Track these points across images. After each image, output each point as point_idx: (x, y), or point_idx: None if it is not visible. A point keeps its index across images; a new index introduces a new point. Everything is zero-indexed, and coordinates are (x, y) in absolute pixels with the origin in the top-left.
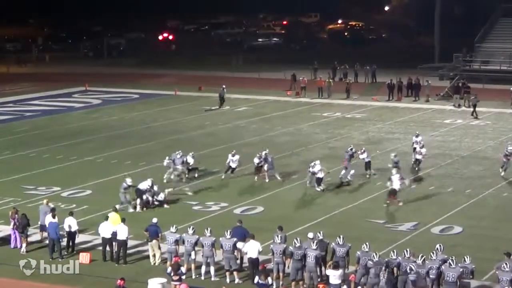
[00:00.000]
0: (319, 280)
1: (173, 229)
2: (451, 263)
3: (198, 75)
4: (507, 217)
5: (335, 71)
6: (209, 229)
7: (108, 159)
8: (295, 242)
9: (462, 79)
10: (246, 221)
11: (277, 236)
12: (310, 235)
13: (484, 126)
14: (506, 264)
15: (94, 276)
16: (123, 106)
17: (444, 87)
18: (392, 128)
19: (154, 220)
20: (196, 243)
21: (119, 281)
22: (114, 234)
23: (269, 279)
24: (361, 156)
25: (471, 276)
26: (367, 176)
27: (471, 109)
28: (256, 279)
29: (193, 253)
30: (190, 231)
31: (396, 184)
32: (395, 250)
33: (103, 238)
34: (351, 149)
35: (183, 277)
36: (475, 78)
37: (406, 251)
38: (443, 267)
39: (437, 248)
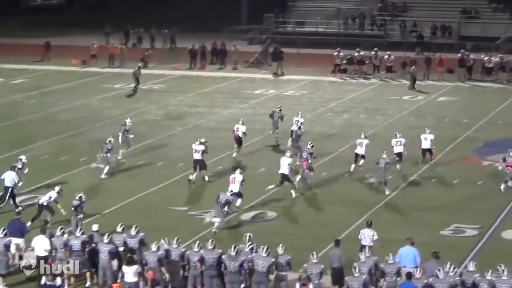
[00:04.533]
0: (115, 278)
1: None
2: (261, 252)
3: None
4: (327, 198)
5: (128, 35)
6: None
7: None
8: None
9: (274, 43)
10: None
11: (59, 228)
12: (95, 227)
13: (299, 96)
14: (313, 255)
15: None
16: None
17: (254, 52)
18: (195, 101)
19: None
20: None
21: None
22: None
23: (58, 279)
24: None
25: (288, 268)
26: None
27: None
28: (43, 280)
29: None
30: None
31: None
32: (197, 242)
33: None
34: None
35: None
36: (289, 41)
37: (209, 242)
38: (254, 255)
39: (246, 237)
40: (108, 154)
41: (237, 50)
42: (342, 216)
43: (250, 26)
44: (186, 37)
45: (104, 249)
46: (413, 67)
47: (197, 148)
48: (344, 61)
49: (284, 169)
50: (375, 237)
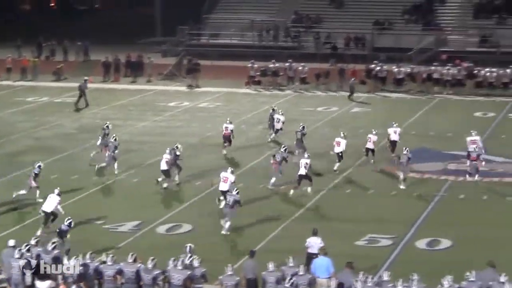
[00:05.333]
0: None
1: None
2: (177, 264)
3: None
4: (243, 210)
5: (40, 48)
6: None
7: None
8: None
9: (188, 55)
10: None
11: None
12: (11, 242)
13: (214, 108)
14: (228, 267)
15: None
16: None
17: (168, 64)
18: (109, 114)
19: None
20: None
21: None
22: None
23: None
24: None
25: (203, 280)
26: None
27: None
28: None
29: None
30: None
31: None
32: (111, 256)
33: None
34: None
35: None
36: (203, 53)
37: (130, 255)
38: (169, 268)
39: (186, 248)
40: (116, 152)
41: (151, 63)
42: (258, 228)
43: (164, 38)
44: (100, 50)
45: (16, 264)
46: (353, 79)
47: (165, 156)
48: (258, 73)
49: (303, 170)
50: (321, 244)
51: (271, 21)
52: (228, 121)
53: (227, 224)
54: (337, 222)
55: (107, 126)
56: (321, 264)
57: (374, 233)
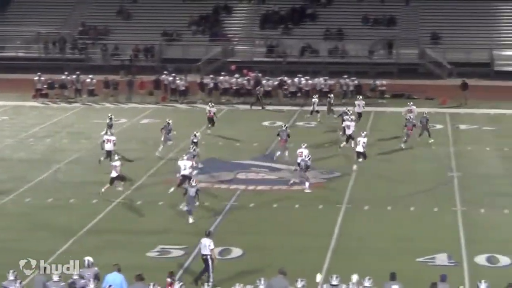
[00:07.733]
0: None
1: None
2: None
3: None
4: (32, 225)
5: None
6: None
7: None
8: None
9: None
10: None
11: None
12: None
13: (0, 122)
14: (16, 283)
15: None
16: None
17: None
18: None
19: None
20: None
21: None
22: None
23: None
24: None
25: None
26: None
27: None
28: None
29: None
30: None
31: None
32: None
33: None
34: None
35: None
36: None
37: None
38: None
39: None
40: (170, 135)
41: None
42: (47, 243)
43: None
44: None
45: None
46: (259, 86)
47: (110, 138)
48: (46, 86)
49: (360, 147)
50: (211, 247)
51: (57, 33)
52: (211, 105)
53: (307, 178)
54: (128, 234)
55: (111, 118)
56: (114, 281)
57: (165, 244)
